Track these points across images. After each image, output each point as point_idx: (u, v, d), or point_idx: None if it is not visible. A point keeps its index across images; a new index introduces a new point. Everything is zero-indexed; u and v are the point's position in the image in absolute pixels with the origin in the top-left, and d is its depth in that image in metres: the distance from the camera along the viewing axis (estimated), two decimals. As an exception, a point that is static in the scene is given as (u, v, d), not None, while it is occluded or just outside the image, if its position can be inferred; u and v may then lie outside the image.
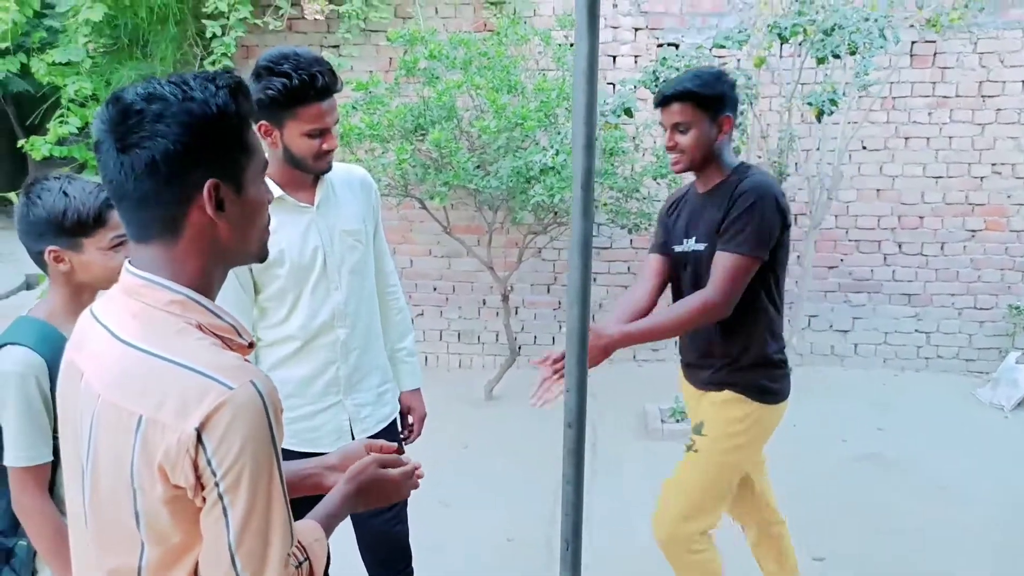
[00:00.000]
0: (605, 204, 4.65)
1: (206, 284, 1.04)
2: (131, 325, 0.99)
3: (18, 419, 1.56)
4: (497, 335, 5.57)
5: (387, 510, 2.10)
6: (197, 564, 0.98)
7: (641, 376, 5.45)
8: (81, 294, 1.67)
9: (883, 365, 5.46)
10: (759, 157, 4.82)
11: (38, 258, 1.65)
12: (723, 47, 3.86)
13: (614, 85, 4.90)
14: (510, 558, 3.21)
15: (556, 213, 4.72)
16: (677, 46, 5.21)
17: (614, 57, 5.40)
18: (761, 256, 1.99)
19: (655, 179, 4.76)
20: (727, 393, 2.15)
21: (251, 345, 1.10)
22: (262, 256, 1.12)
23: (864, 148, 5.28)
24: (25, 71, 5.26)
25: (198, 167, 0.98)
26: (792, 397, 2.24)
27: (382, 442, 1.39)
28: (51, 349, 1.57)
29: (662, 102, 2.05)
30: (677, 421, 4.49)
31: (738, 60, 5.02)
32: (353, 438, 2.06)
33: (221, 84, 1.00)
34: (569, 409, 1.60)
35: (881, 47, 3.49)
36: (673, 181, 4.81)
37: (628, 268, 5.60)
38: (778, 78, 4.77)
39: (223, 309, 1.06)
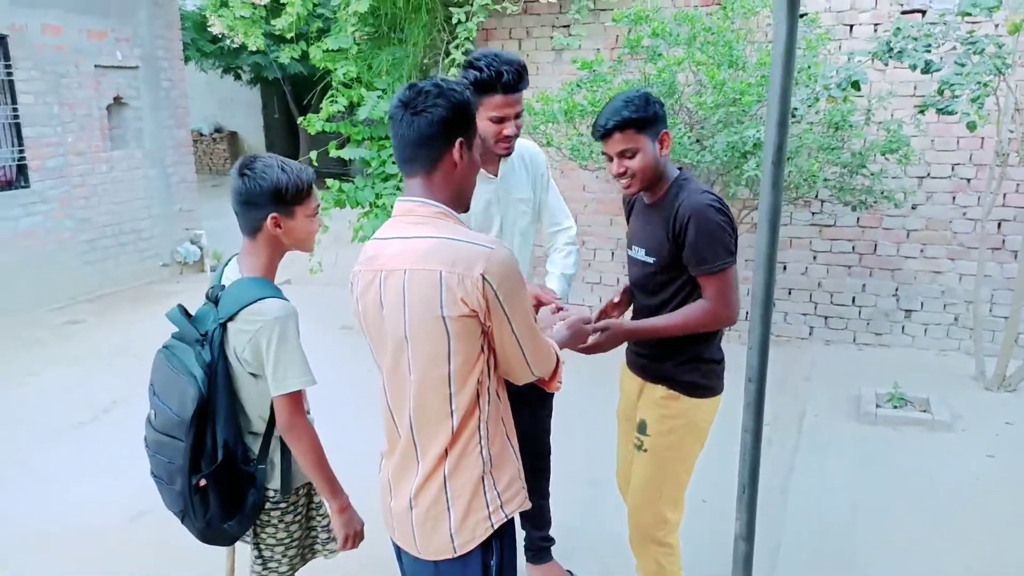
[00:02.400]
0: (827, 180, 4.53)
1: (451, 206, 1.62)
2: (417, 229, 1.58)
3: (297, 350, 1.83)
4: (709, 309, 5.60)
5: (539, 413, 2.73)
6: (480, 372, 1.56)
7: (860, 360, 5.25)
8: (280, 256, 1.97)
9: None
10: (1011, 132, 4.42)
11: (258, 223, 1.88)
12: (970, 14, 3.60)
13: (850, 57, 4.71)
14: (703, 518, 3.36)
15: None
16: (924, 12, 4.89)
17: (851, 26, 5.16)
18: (731, 258, 2.11)
19: (883, 155, 4.55)
20: (661, 389, 2.28)
21: None
22: (466, 203, 1.67)
23: None
24: (303, 57, 6.10)
25: (455, 129, 1.58)
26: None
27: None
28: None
29: (604, 135, 2.14)
30: (894, 407, 4.31)
31: (996, 25, 4.61)
32: None
33: (465, 85, 1.66)
34: (750, 365, 1.76)
35: None
36: (904, 157, 4.57)
37: (852, 248, 5.38)
38: (1041, 45, 4.32)
39: (462, 221, 1.62)
